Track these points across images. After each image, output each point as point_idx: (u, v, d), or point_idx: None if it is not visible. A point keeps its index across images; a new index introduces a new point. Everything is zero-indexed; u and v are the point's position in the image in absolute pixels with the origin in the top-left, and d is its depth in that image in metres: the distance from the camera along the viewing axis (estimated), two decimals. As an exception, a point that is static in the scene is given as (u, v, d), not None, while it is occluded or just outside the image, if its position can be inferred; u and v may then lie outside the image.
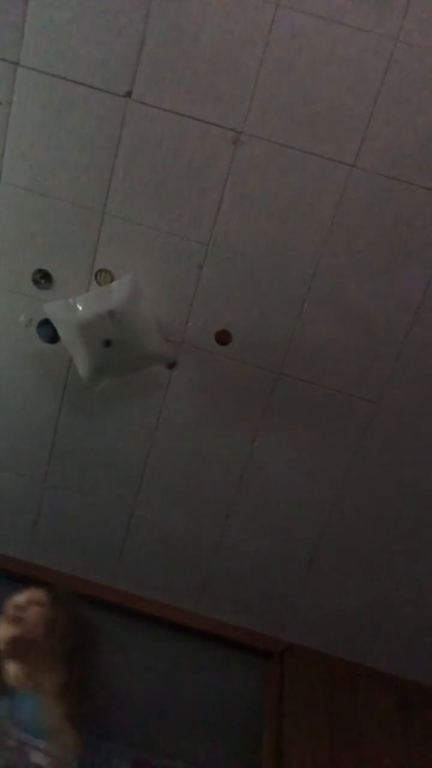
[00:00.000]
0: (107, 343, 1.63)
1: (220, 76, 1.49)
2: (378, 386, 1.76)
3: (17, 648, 1.47)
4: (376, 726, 1.93)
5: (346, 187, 1.55)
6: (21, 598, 1.56)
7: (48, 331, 1.74)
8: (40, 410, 1.89)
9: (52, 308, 1.67)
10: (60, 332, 1.69)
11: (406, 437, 1.81)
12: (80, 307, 1.63)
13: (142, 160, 1.58)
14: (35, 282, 1.73)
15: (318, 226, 1.60)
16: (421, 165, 1.52)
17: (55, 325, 1.69)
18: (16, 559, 2.10)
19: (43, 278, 1.72)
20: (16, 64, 1.52)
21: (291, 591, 2.06)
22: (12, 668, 1.47)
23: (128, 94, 1.53)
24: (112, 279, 1.69)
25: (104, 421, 1.90)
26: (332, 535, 1.96)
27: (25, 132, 1.58)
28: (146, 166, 1.58)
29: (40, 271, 1.71)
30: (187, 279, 1.69)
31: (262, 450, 1.88)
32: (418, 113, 1.48)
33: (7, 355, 1.83)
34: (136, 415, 1.88)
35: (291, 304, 1.69)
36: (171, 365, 1.79)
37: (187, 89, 1.51)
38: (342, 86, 1.47)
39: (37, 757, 1.29)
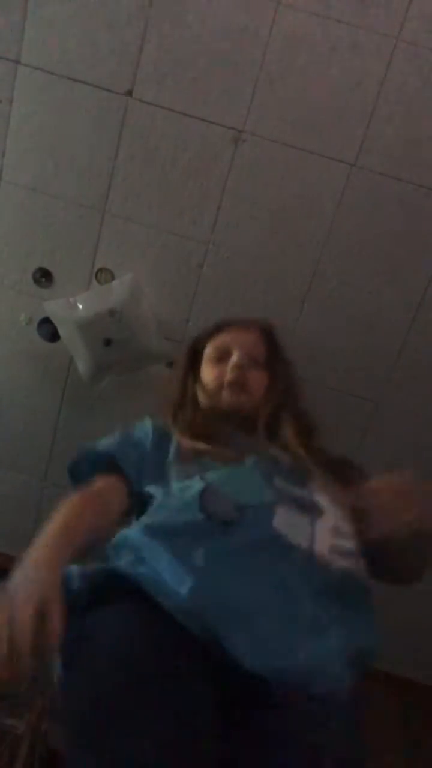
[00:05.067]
0: (107, 341, 1.63)
1: (220, 75, 1.49)
2: (378, 386, 1.76)
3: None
4: (376, 727, 1.93)
5: (346, 187, 1.55)
6: None
7: (48, 330, 1.74)
8: (41, 409, 1.89)
9: (53, 307, 1.67)
10: (60, 331, 1.70)
11: (406, 437, 1.81)
12: (80, 306, 1.63)
13: (142, 160, 1.58)
14: (36, 281, 1.73)
15: (318, 226, 1.60)
16: (421, 165, 1.52)
17: (56, 323, 1.70)
18: (17, 558, 2.10)
19: (43, 277, 1.72)
20: (17, 62, 1.53)
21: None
22: None
23: (129, 93, 1.53)
24: (113, 278, 1.69)
25: (104, 419, 1.89)
26: (332, 535, 1.96)
27: (26, 131, 1.58)
28: (146, 165, 1.58)
29: (40, 269, 1.72)
30: (187, 279, 1.69)
31: (261, 449, 1.87)
32: (419, 113, 1.48)
33: (7, 354, 1.83)
34: (136, 414, 1.87)
35: (291, 304, 1.69)
36: (171, 364, 1.79)
37: (188, 88, 1.51)
38: (342, 86, 1.47)
39: None
